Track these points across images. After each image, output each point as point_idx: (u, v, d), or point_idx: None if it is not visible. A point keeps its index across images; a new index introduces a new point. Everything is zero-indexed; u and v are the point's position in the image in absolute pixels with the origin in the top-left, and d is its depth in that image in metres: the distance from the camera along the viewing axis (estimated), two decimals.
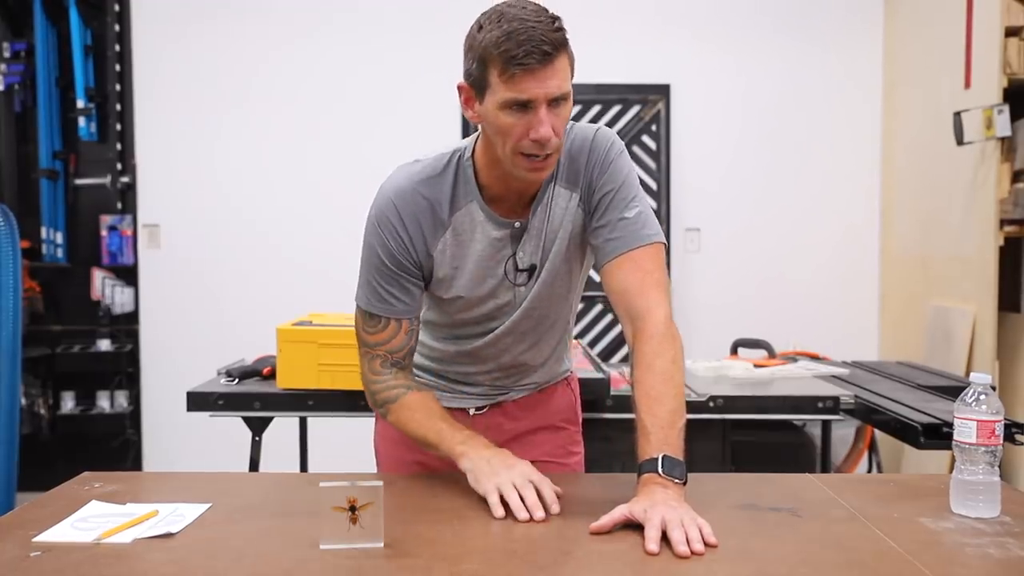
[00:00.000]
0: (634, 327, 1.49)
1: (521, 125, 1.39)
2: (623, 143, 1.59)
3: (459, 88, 1.47)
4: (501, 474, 1.41)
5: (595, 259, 1.58)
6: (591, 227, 1.56)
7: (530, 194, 1.55)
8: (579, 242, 1.59)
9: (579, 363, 2.65)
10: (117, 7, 4.55)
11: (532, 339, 1.66)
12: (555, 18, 1.39)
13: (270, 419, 2.59)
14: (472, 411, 1.71)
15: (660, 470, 1.33)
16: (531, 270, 1.58)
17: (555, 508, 1.38)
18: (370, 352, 1.60)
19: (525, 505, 1.36)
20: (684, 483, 1.34)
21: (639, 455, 1.37)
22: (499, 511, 1.36)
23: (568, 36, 1.40)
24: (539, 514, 1.35)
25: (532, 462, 1.71)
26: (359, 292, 1.60)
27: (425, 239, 1.54)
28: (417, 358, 1.71)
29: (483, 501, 1.42)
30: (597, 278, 1.62)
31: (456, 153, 1.57)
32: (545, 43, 1.35)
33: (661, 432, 1.36)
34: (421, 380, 1.71)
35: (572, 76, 1.44)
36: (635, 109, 4.54)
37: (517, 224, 1.55)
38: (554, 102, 1.40)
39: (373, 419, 1.81)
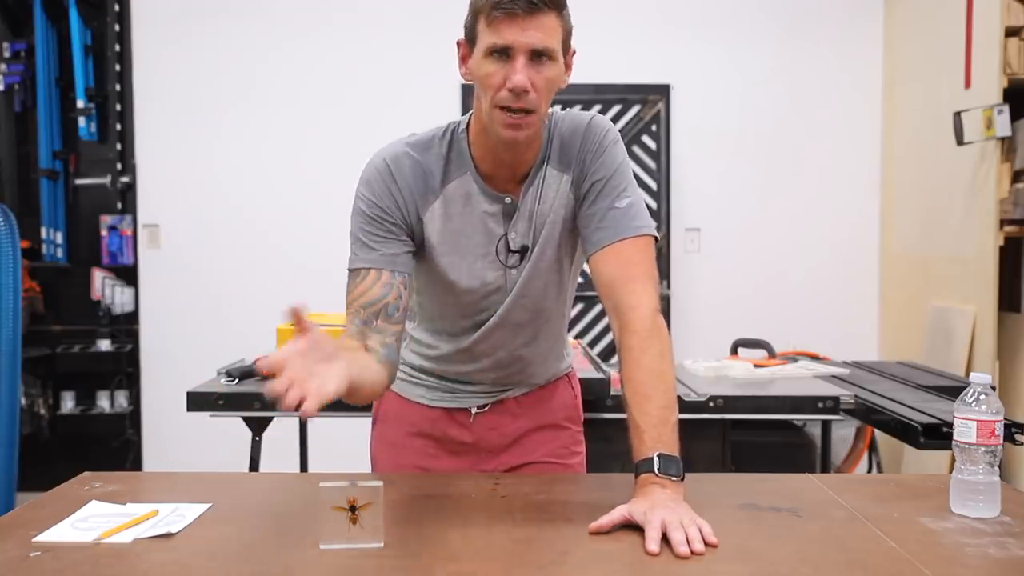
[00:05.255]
0: (620, 321, 1.48)
1: (500, 74, 1.41)
2: (618, 132, 1.58)
3: (457, 44, 1.50)
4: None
5: (584, 249, 1.57)
6: (581, 214, 1.55)
7: (521, 172, 1.55)
8: (570, 229, 1.58)
9: (579, 363, 2.65)
10: (117, 7, 4.55)
11: (529, 334, 1.64)
12: None
13: (270, 419, 2.59)
14: (474, 410, 1.70)
15: (656, 470, 1.32)
16: (522, 252, 1.57)
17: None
18: (348, 313, 1.50)
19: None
20: (682, 479, 1.34)
21: (634, 455, 1.37)
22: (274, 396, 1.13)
23: (564, 2, 1.42)
24: (298, 403, 1.13)
25: (534, 463, 1.72)
26: (349, 255, 1.54)
27: (416, 201, 1.53)
28: (417, 360, 1.71)
29: (482, 500, 1.42)
30: None
31: (451, 126, 1.57)
32: None
33: (654, 430, 1.36)
34: (422, 382, 1.71)
35: (568, 49, 1.45)
36: (635, 109, 4.54)
37: (508, 200, 1.55)
38: (536, 57, 1.40)
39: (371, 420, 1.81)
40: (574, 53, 1.48)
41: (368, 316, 1.47)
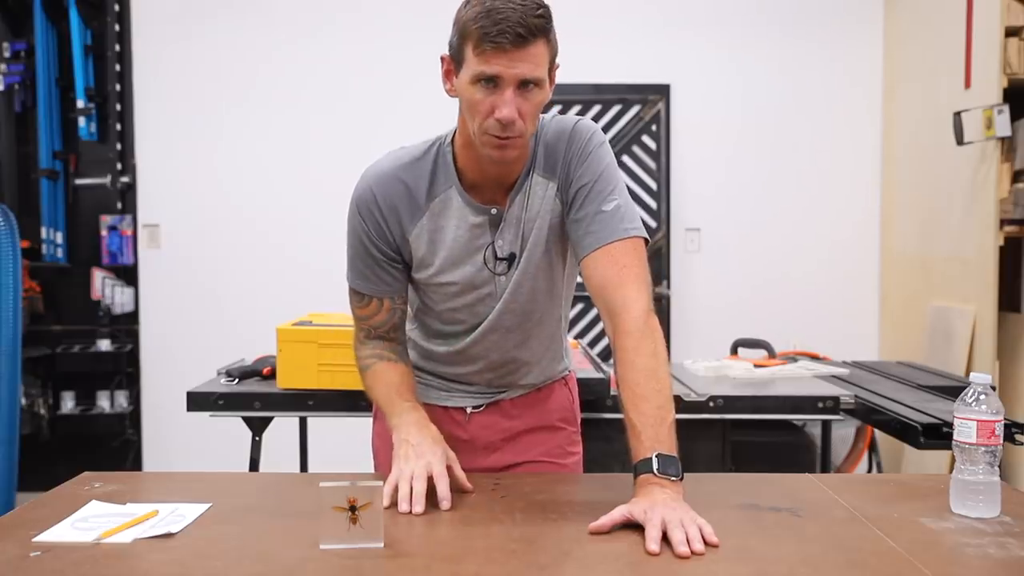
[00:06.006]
0: (612, 323, 1.49)
1: (488, 102, 1.41)
2: (604, 136, 1.58)
3: (441, 59, 1.51)
4: (409, 463, 1.45)
5: (574, 253, 1.58)
6: (569, 220, 1.55)
7: (508, 182, 1.56)
8: (559, 233, 1.58)
9: (579, 363, 2.65)
10: (117, 7, 4.55)
11: (519, 336, 1.65)
12: (540, 5, 1.40)
13: (270, 419, 2.59)
14: (469, 410, 1.71)
15: (655, 470, 1.32)
16: (510, 259, 1.58)
17: (445, 504, 1.40)
18: (357, 323, 1.69)
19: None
20: (681, 479, 1.34)
21: (632, 455, 1.37)
22: (385, 501, 1.37)
23: (551, 26, 1.42)
24: (417, 508, 1.38)
25: (529, 462, 1.72)
26: (347, 271, 1.65)
27: (402, 224, 1.57)
28: (414, 359, 1.72)
29: (482, 500, 1.43)
30: None
31: (438, 140, 1.59)
32: (521, 26, 1.37)
33: (651, 430, 1.36)
34: (419, 380, 1.71)
35: (552, 67, 1.45)
36: (635, 109, 4.54)
37: (494, 211, 1.56)
38: (524, 86, 1.41)
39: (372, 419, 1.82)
40: (558, 67, 1.48)
41: (380, 333, 1.66)
